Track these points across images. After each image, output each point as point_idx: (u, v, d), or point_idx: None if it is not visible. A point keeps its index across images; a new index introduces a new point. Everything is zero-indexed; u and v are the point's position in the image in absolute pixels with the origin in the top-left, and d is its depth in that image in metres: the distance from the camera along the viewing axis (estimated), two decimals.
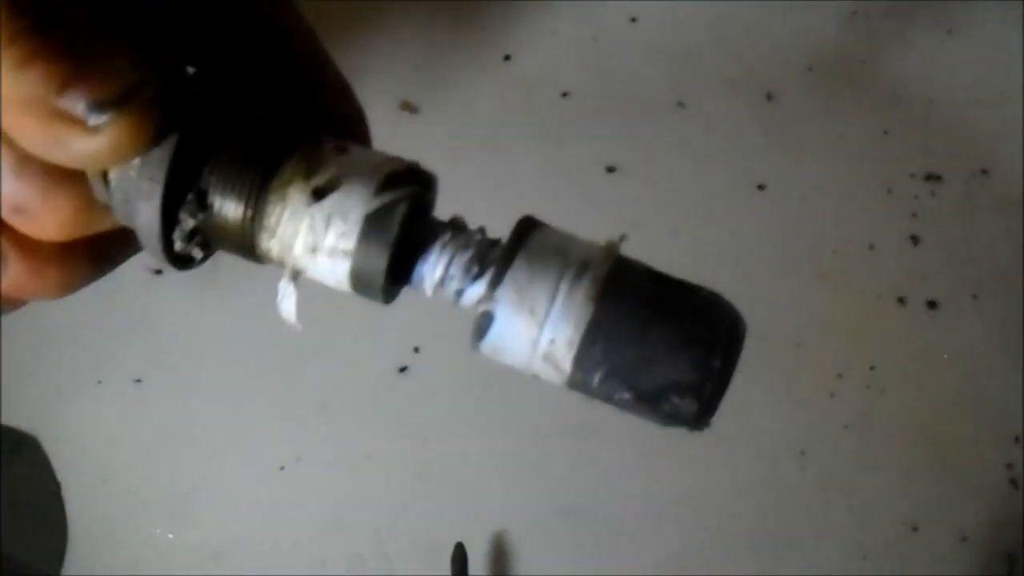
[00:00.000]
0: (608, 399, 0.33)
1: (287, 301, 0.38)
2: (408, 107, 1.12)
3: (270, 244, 0.36)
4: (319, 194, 0.35)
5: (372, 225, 0.35)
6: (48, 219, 0.33)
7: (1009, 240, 1.12)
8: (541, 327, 0.33)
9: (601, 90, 1.16)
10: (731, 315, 0.34)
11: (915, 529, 1.01)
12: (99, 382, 1.04)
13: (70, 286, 0.36)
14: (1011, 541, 1.00)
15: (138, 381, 1.04)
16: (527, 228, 0.34)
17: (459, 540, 0.96)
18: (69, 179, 0.32)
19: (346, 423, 1.02)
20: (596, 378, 0.33)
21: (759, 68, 1.19)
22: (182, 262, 0.37)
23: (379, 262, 0.35)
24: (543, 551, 1.00)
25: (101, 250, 0.37)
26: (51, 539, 1.01)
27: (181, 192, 0.36)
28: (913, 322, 1.09)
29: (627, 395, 0.33)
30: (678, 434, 1.02)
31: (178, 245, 0.36)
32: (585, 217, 1.11)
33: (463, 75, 1.15)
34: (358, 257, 0.35)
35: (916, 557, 1.01)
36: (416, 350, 1.03)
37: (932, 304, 1.09)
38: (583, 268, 0.33)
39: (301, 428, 1.02)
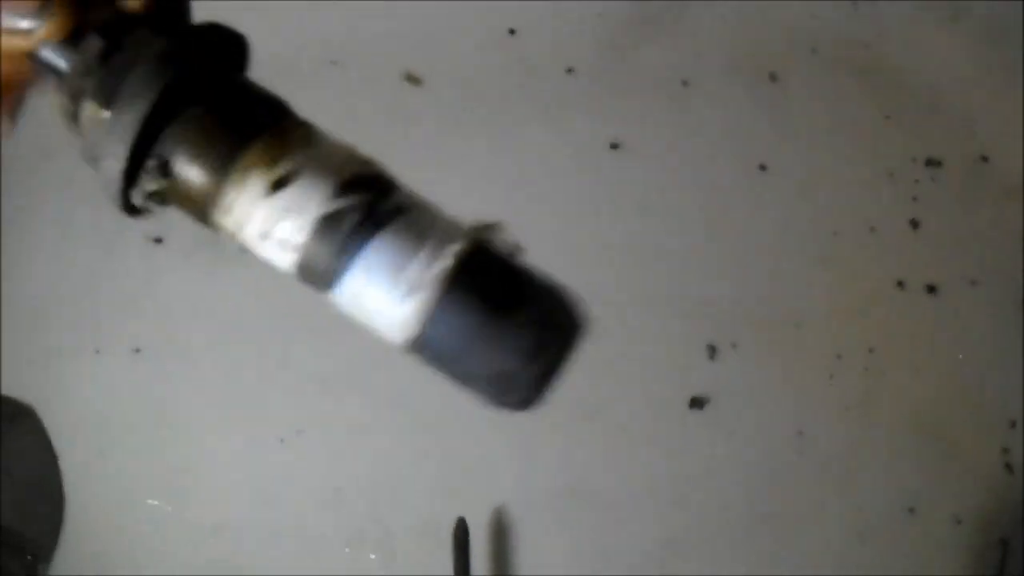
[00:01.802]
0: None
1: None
2: (412, 79, 1.10)
3: (224, 220, 0.37)
4: (278, 185, 0.36)
5: (325, 225, 0.36)
6: None
7: (1008, 227, 1.13)
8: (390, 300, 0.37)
9: (606, 67, 1.15)
10: (561, 329, 0.38)
11: (911, 511, 1.02)
12: (97, 351, 1.03)
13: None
14: (1005, 525, 1.02)
15: (137, 351, 1.03)
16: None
17: (459, 515, 0.96)
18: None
19: (348, 397, 1.01)
20: (425, 357, 0.37)
21: (764, 49, 1.18)
22: (134, 212, 0.39)
23: (327, 260, 0.36)
24: (542, 528, 1.00)
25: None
26: (48, 510, 1.00)
27: (146, 146, 0.37)
28: (912, 306, 1.09)
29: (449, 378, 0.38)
30: (678, 414, 1.01)
31: (137, 200, 0.38)
32: (587, 193, 1.11)
33: (468, 48, 1.13)
34: (307, 253, 0.37)
35: (912, 539, 1.01)
36: None
37: (931, 288, 1.09)
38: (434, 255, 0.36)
39: (302, 401, 1.01)
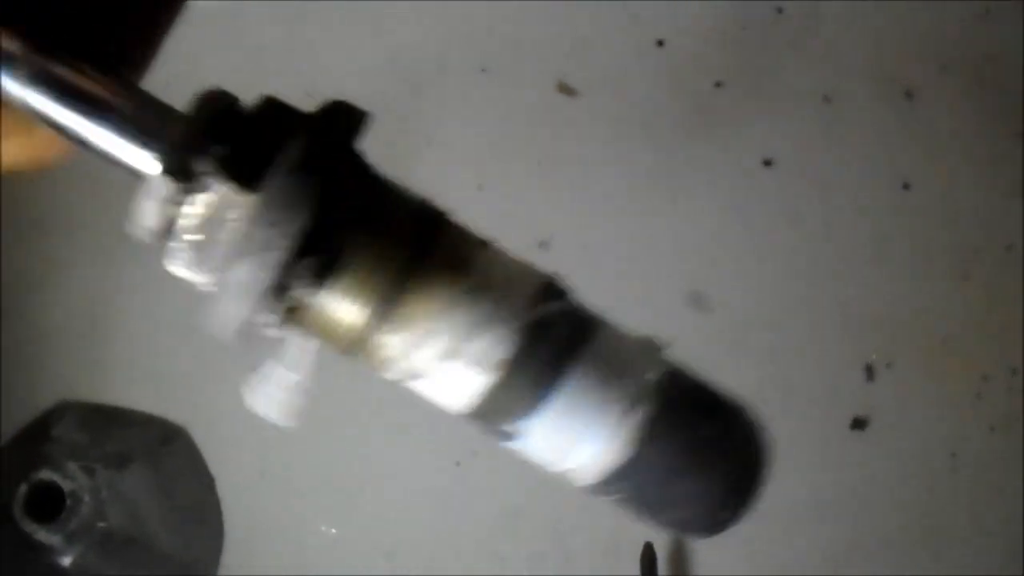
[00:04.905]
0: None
1: (288, 395, 0.33)
2: (566, 89, 1.08)
3: (389, 339, 0.30)
4: (471, 294, 0.30)
5: (534, 335, 0.30)
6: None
7: None
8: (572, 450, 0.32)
9: (750, 81, 1.14)
10: (755, 462, 0.34)
11: None
12: (255, 368, 0.98)
13: None
14: None
15: None
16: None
17: (641, 536, 0.95)
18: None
19: None
20: (614, 498, 0.34)
21: (897, 65, 1.19)
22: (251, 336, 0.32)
23: (535, 379, 0.30)
24: (715, 544, 0.99)
25: None
26: (207, 535, 0.95)
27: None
28: None
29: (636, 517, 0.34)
30: (841, 435, 1.00)
31: (268, 320, 0.30)
32: (742, 209, 1.10)
33: (617, 59, 1.11)
34: (509, 372, 0.30)
35: None
36: None
37: None
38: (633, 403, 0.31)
39: None
